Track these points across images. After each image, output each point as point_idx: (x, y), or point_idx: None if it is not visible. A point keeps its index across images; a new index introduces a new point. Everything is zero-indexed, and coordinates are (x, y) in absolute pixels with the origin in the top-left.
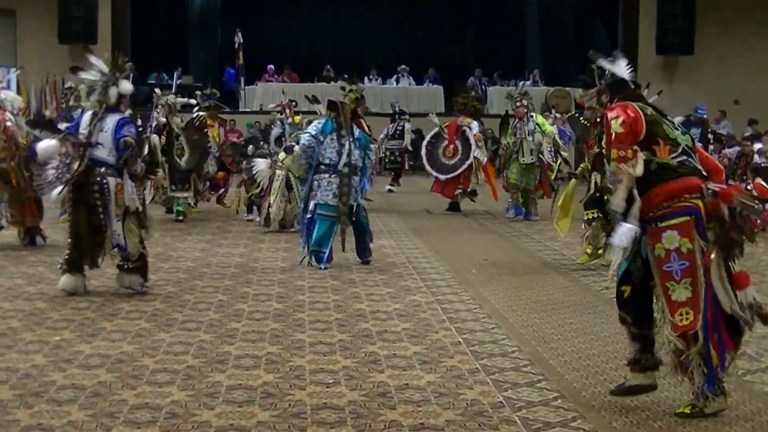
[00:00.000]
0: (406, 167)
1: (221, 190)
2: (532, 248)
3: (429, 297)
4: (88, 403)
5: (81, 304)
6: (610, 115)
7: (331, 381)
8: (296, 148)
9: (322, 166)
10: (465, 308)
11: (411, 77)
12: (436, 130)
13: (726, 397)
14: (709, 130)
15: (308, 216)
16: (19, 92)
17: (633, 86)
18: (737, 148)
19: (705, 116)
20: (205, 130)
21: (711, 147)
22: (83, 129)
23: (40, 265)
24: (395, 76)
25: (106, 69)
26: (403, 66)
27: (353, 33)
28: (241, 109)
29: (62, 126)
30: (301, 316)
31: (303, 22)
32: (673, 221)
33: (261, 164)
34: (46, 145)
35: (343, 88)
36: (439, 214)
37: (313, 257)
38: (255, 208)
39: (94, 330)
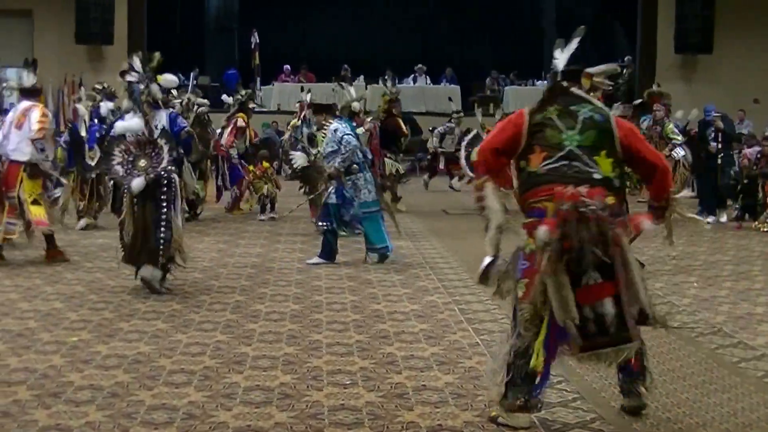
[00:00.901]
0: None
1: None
2: None
3: (446, 298)
4: (105, 403)
5: (98, 305)
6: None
7: (348, 382)
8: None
9: (355, 166)
10: (483, 309)
11: (428, 76)
12: (475, 131)
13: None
14: (713, 129)
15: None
16: None
17: (568, 75)
18: (757, 148)
19: (709, 118)
20: (209, 126)
21: (713, 146)
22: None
23: (58, 264)
24: (412, 76)
25: (140, 68)
26: (419, 65)
27: (370, 32)
28: (257, 110)
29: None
30: (318, 317)
31: (319, 22)
32: (524, 221)
33: (299, 158)
34: (131, 122)
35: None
36: (456, 214)
37: (375, 256)
38: (268, 207)
39: (111, 330)
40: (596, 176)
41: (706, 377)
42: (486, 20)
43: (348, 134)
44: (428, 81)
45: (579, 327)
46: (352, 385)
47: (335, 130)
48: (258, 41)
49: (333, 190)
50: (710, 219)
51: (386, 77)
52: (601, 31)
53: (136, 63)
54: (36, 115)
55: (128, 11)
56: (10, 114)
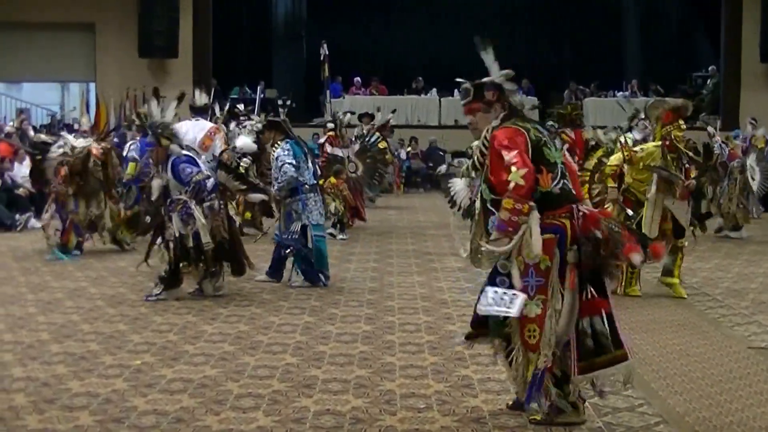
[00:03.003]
0: None
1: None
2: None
3: None
4: (170, 429)
5: (162, 327)
6: (504, 153)
7: (423, 406)
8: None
9: (306, 186)
10: None
11: None
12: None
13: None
14: None
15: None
16: (98, 108)
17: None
18: None
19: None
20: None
21: None
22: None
23: (120, 286)
24: None
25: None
26: None
27: (444, 43)
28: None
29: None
30: (390, 338)
31: (392, 32)
32: (546, 236)
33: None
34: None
35: None
36: None
37: (316, 277)
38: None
39: (176, 353)
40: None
41: None
42: (565, 30)
43: (288, 163)
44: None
45: (578, 344)
46: (426, 410)
47: (277, 158)
48: (327, 53)
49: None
50: None
51: (460, 89)
52: (684, 39)
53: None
54: (220, 140)
55: (193, 24)
56: (190, 132)
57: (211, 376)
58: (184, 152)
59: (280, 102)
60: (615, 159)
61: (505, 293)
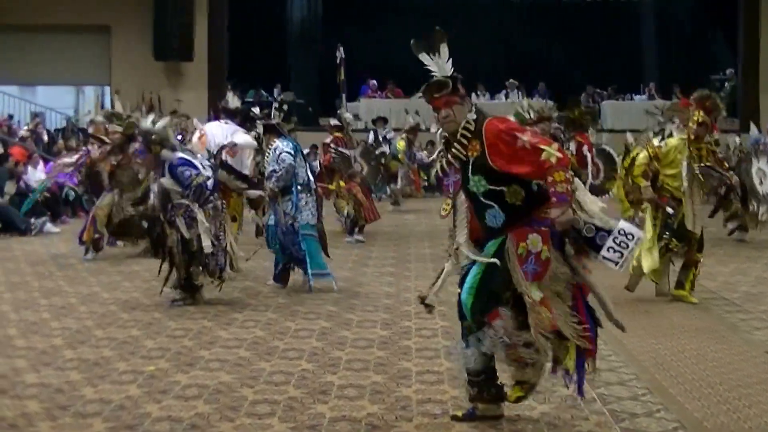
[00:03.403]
0: None
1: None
2: None
3: None
4: None
5: (177, 332)
6: (520, 136)
7: (439, 412)
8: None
9: (300, 186)
10: None
11: (520, 92)
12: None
13: None
14: None
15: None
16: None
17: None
18: None
19: None
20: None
21: None
22: None
23: (134, 290)
24: (504, 91)
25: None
26: (512, 80)
27: (460, 46)
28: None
29: None
30: (407, 344)
31: (408, 35)
32: (540, 227)
33: None
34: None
35: None
36: None
37: (318, 279)
38: (354, 228)
39: (191, 359)
40: None
41: None
42: (582, 34)
43: (286, 152)
44: (521, 96)
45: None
46: (442, 416)
47: (275, 149)
48: (343, 56)
49: (272, 212)
50: None
51: (477, 92)
52: (702, 42)
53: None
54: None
55: (209, 26)
56: (218, 134)
57: (226, 382)
58: (179, 155)
59: (275, 105)
60: (642, 158)
61: (615, 239)
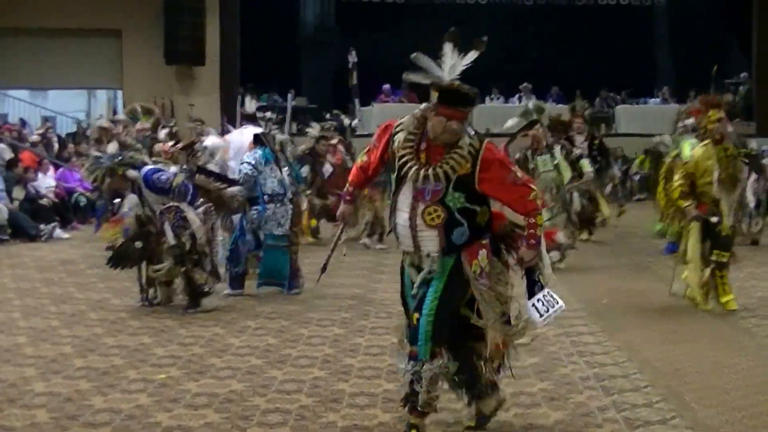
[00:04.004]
0: None
1: None
2: (668, 275)
3: (557, 329)
4: None
5: (187, 340)
6: (514, 170)
7: (452, 421)
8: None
9: (266, 197)
10: (594, 341)
11: (534, 96)
12: None
13: None
14: None
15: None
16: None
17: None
18: None
19: None
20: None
21: None
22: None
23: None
24: (517, 95)
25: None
26: (525, 84)
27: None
28: (357, 132)
29: None
30: None
31: (420, 40)
32: (484, 241)
33: None
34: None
35: None
36: None
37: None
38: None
39: (201, 367)
40: None
41: None
42: (596, 38)
43: (246, 162)
44: (534, 101)
45: None
46: (455, 424)
47: (242, 160)
48: (356, 60)
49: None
50: None
51: (492, 96)
52: (716, 46)
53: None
54: None
55: (220, 30)
56: (236, 138)
57: (237, 391)
58: (147, 167)
59: (261, 115)
60: (677, 180)
61: (545, 296)
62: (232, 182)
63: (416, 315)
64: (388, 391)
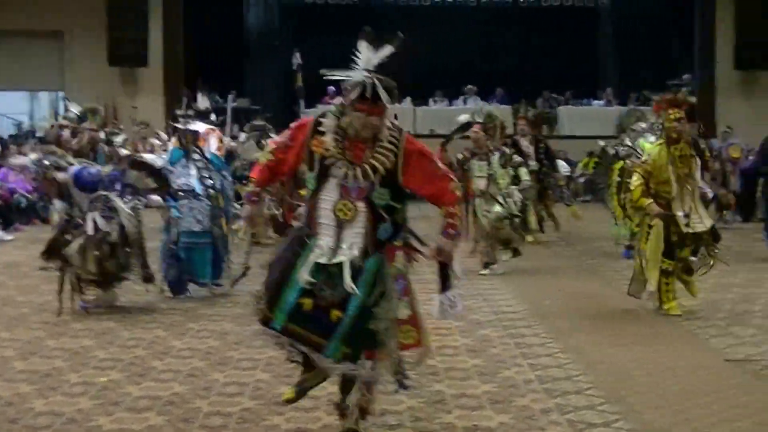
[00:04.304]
0: None
1: None
2: (609, 277)
3: (501, 331)
4: None
5: (129, 342)
6: (437, 161)
7: (395, 423)
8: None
9: (180, 193)
10: (539, 342)
11: (478, 98)
12: None
13: None
14: None
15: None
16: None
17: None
18: None
19: None
20: None
21: None
22: None
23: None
24: (462, 97)
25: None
26: (469, 86)
27: (417, 52)
28: None
29: None
30: None
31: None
32: (399, 242)
33: None
34: None
35: None
36: None
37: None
38: None
39: (143, 370)
40: None
41: None
42: (540, 39)
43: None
44: (479, 102)
45: None
46: (398, 426)
47: None
48: (300, 62)
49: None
50: None
51: (435, 98)
52: (658, 48)
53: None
54: (215, 140)
55: (163, 31)
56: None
57: (179, 394)
58: (74, 167)
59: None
60: (635, 180)
61: (453, 294)
62: (164, 184)
63: (337, 312)
64: (332, 394)
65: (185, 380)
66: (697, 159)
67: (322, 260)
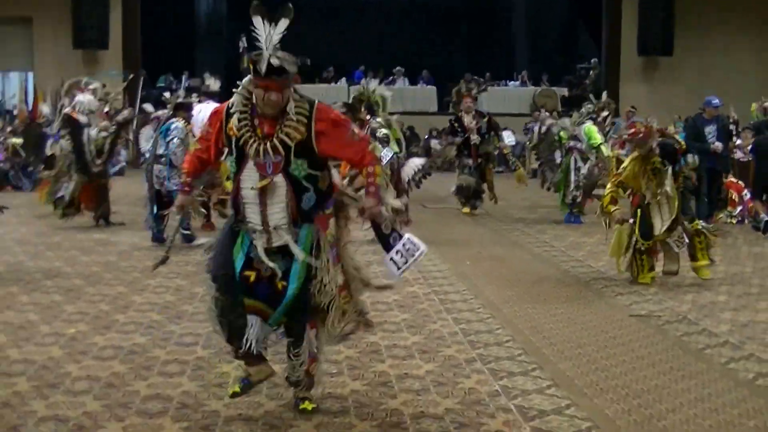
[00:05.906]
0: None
1: None
2: (522, 240)
3: (426, 288)
4: (101, 394)
5: (95, 298)
6: (351, 126)
7: (334, 371)
8: None
9: (162, 158)
10: (461, 299)
11: (406, 78)
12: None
13: None
14: (731, 121)
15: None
16: (36, 97)
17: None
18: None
19: (720, 105)
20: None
21: (738, 140)
22: None
23: (56, 260)
24: (391, 78)
25: None
26: (398, 68)
27: (351, 37)
28: None
29: None
30: None
31: (304, 26)
32: (328, 211)
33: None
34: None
35: None
36: (434, 207)
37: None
38: None
39: (107, 322)
40: None
41: (674, 364)
42: (461, 28)
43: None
44: (406, 83)
45: None
46: (338, 375)
47: None
48: (246, 46)
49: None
50: None
51: (367, 79)
52: (568, 35)
53: None
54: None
55: (123, 17)
56: (200, 115)
57: (140, 344)
58: None
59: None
60: (609, 188)
61: (404, 245)
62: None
63: (282, 282)
64: (349, 358)
65: (145, 331)
66: (668, 170)
67: (259, 246)
